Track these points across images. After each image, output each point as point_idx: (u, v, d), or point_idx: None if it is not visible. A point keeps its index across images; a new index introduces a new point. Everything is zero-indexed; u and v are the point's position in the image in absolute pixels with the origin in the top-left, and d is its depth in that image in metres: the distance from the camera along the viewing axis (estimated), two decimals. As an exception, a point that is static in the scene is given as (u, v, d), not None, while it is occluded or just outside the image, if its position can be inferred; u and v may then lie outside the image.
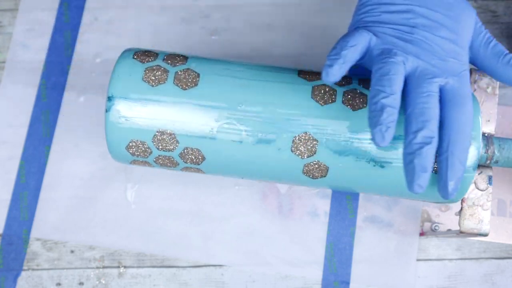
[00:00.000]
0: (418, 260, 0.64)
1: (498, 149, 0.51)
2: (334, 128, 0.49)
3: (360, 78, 0.52)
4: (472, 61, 0.49)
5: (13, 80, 0.69)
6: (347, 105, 0.49)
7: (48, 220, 0.65)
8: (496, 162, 0.51)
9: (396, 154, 0.49)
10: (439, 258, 0.64)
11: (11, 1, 0.72)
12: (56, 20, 0.71)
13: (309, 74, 0.52)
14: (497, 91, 0.54)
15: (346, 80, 0.51)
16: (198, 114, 0.49)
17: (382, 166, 0.49)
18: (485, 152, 0.51)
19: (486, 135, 0.53)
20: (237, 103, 0.49)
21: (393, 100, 0.43)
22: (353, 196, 0.65)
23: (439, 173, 0.44)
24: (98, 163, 0.66)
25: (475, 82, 0.54)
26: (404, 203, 0.64)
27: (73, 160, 0.67)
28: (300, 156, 0.50)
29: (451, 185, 0.43)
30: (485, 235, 0.52)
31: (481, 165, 0.52)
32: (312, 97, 0.49)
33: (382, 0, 0.47)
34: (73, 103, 0.68)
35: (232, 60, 0.54)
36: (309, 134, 0.49)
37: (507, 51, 0.48)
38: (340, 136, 0.49)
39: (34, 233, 0.65)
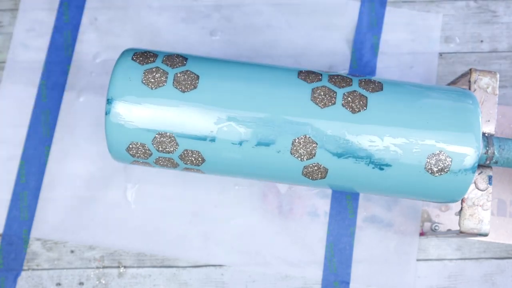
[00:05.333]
0: (418, 260, 0.64)
1: (498, 149, 0.51)
2: (334, 130, 0.49)
3: (361, 78, 0.52)
4: None
5: (13, 80, 0.69)
6: (347, 108, 0.49)
7: (48, 220, 0.65)
8: (496, 162, 0.51)
9: (395, 157, 0.49)
10: (439, 258, 0.64)
11: (11, 1, 0.72)
12: (56, 20, 0.71)
13: (309, 75, 0.52)
14: (497, 91, 0.54)
15: (346, 81, 0.51)
16: (197, 116, 0.49)
17: (381, 169, 0.49)
18: (485, 152, 0.51)
19: (486, 135, 0.53)
20: (236, 106, 0.50)
21: None
22: (353, 196, 0.64)
23: None
24: (98, 163, 0.66)
25: (475, 82, 0.54)
26: (404, 203, 0.64)
27: (73, 160, 0.67)
28: (299, 159, 0.50)
29: None
30: (485, 235, 0.52)
31: (481, 165, 0.52)
32: (311, 100, 0.50)
33: None
34: (73, 103, 0.68)
35: (231, 60, 0.54)
36: (309, 137, 0.49)
37: None
38: (339, 139, 0.49)
39: (34, 233, 0.65)
